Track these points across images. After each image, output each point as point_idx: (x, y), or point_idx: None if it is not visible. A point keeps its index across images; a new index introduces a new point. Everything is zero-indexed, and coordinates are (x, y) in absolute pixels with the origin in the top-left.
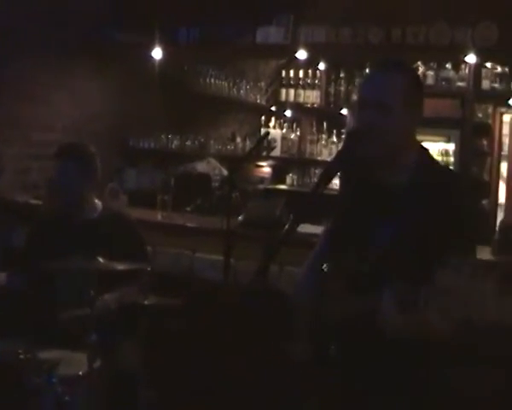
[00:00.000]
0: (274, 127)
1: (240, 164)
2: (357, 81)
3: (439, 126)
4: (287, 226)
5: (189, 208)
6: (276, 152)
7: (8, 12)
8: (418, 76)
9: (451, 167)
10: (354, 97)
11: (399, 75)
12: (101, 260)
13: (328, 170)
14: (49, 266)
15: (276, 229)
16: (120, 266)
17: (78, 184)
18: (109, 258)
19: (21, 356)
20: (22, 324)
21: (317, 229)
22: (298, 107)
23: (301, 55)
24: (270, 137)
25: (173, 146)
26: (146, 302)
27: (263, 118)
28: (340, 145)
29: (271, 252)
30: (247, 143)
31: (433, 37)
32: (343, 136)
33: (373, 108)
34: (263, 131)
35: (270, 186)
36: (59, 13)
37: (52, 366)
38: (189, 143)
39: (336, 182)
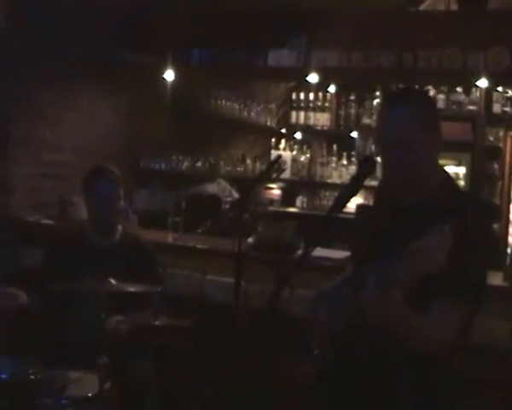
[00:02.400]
0: (284, 149)
1: (252, 186)
2: (368, 104)
3: (449, 150)
4: (301, 250)
5: (199, 230)
6: (286, 174)
7: (20, 34)
8: (430, 99)
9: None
10: (364, 120)
11: (413, 108)
12: (113, 281)
13: (343, 195)
14: (63, 288)
15: (287, 252)
16: (131, 288)
17: (117, 206)
18: (128, 281)
19: (32, 376)
20: (34, 344)
21: (328, 253)
22: (308, 129)
23: (313, 78)
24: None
25: (184, 167)
26: (156, 323)
27: (273, 140)
28: (350, 168)
29: (286, 276)
30: (257, 164)
31: (445, 61)
32: (353, 158)
33: (394, 146)
34: (273, 153)
35: (281, 209)
36: (71, 34)
37: (62, 386)
38: (199, 164)
39: (351, 206)
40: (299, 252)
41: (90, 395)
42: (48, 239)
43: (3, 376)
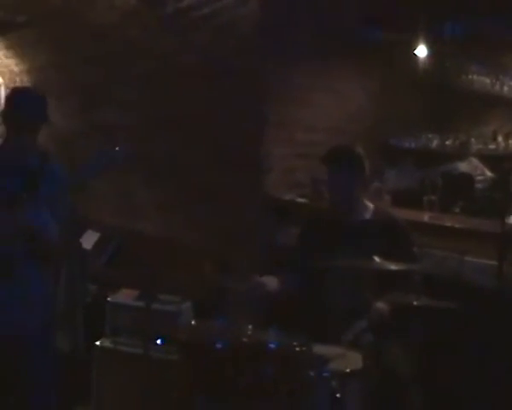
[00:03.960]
0: None
1: None
2: None
3: None
4: None
5: (457, 209)
6: None
7: (273, 18)
8: None
9: None
10: None
11: None
12: (377, 259)
13: None
14: (324, 265)
15: None
16: (393, 267)
17: (349, 186)
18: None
19: (297, 348)
20: (298, 319)
21: None
22: None
23: None
24: None
25: (433, 145)
26: (416, 303)
27: None
28: None
29: None
30: (510, 142)
31: None
32: None
33: None
34: None
35: None
36: (321, 15)
37: (325, 360)
38: (449, 142)
39: None
40: None
41: (348, 370)
42: (302, 218)
43: (272, 345)
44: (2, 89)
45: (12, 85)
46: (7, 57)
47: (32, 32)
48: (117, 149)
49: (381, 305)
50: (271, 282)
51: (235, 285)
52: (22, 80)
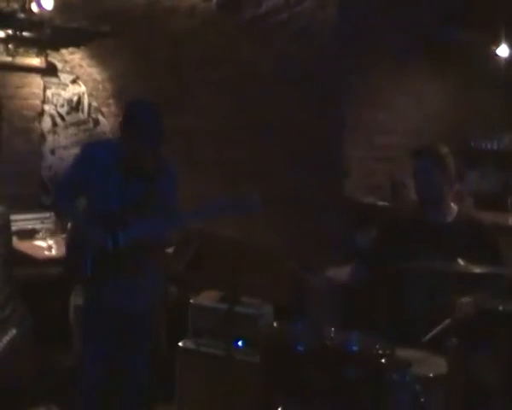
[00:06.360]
0: None
1: None
2: None
3: None
4: None
5: None
6: None
7: (351, 20)
8: None
9: None
10: None
11: None
12: (461, 262)
13: None
14: (405, 266)
15: None
16: (477, 270)
17: (437, 182)
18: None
19: (379, 351)
20: (379, 319)
21: None
22: None
23: None
24: None
25: None
26: (501, 308)
27: None
28: None
29: None
30: None
31: None
32: None
33: None
34: None
35: None
36: (399, 16)
37: (407, 364)
38: None
39: None
40: None
41: (432, 375)
42: (382, 221)
43: (354, 348)
44: (86, 96)
45: (95, 93)
46: (89, 66)
47: (113, 40)
48: (247, 200)
49: (466, 300)
50: (342, 272)
51: (314, 284)
52: (104, 88)
